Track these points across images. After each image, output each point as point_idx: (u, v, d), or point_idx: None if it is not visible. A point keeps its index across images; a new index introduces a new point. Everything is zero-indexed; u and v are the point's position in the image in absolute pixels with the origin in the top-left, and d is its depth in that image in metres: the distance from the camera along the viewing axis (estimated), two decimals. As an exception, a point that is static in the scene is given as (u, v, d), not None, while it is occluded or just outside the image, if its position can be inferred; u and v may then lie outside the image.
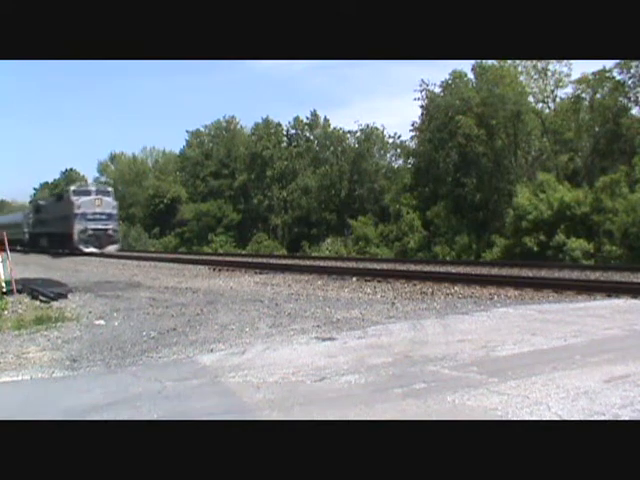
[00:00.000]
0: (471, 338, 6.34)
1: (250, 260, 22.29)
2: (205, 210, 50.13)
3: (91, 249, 34.86)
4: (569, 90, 32.36)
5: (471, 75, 35.01)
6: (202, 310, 9.94)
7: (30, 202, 57.19)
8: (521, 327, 6.89)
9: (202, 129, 58.10)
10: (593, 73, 30.47)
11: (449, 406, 4.08)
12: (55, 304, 11.62)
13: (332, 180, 43.61)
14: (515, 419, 3.72)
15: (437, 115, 34.70)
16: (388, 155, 44.51)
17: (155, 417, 4.13)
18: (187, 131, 59.39)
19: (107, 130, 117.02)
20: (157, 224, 56.18)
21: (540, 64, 31.87)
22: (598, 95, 30.90)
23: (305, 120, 50.85)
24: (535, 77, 32.94)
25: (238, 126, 56.62)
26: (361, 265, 19.86)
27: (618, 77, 29.91)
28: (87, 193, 36.46)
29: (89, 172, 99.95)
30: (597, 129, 31.28)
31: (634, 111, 30.55)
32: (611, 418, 3.65)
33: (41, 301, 12.15)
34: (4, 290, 13.08)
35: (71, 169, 79.96)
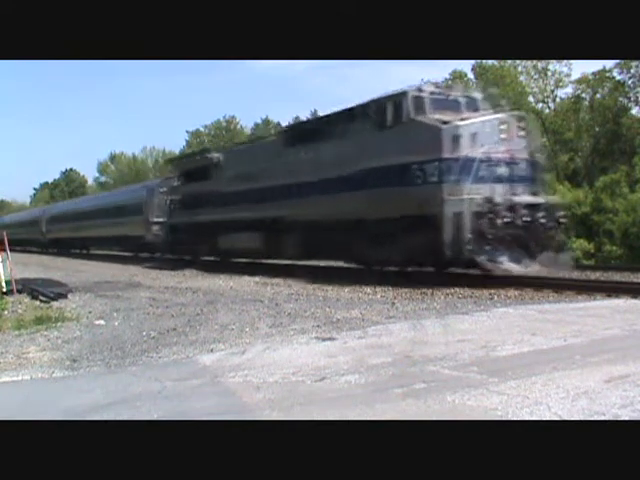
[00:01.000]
0: (471, 338, 6.33)
1: (249, 260, 22.24)
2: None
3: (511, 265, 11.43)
4: (569, 90, 32.42)
5: (471, 75, 35.04)
6: (202, 310, 9.93)
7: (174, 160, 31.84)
8: (521, 327, 6.89)
9: (202, 129, 58.16)
10: (593, 73, 30.53)
11: (449, 406, 4.07)
12: (55, 304, 11.62)
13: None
14: (515, 419, 3.72)
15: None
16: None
17: (155, 417, 4.13)
18: (187, 131, 59.44)
19: (107, 130, 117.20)
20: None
21: (540, 64, 31.89)
22: (598, 95, 30.93)
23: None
24: (535, 77, 32.99)
25: (238, 126, 56.64)
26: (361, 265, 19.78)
27: (618, 77, 29.94)
28: (460, 105, 12.75)
29: (89, 172, 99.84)
30: (597, 129, 31.31)
31: (634, 111, 30.59)
32: (611, 418, 3.65)
33: (41, 301, 12.15)
34: (4, 290, 13.08)
35: (71, 169, 79.97)
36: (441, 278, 12.15)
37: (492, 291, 10.88)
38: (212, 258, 21.70)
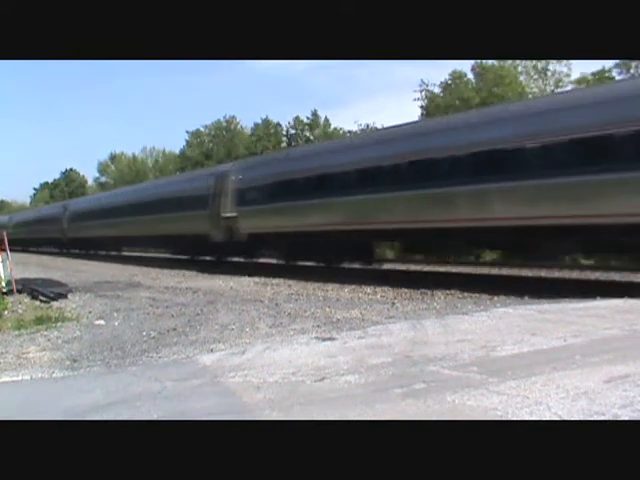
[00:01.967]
0: (471, 338, 6.33)
1: (250, 260, 22.24)
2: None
3: None
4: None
5: (471, 75, 35.03)
6: (202, 310, 9.94)
7: None
8: (521, 327, 6.88)
9: (202, 129, 58.05)
10: (593, 73, 30.50)
11: (449, 406, 4.07)
12: (55, 304, 11.63)
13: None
14: (515, 419, 3.72)
15: (437, 115, 34.72)
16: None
17: (155, 417, 4.13)
18: (187, 131, 59.32)
19: (107, 130, 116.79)
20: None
21: (540, 64, 31.88)
22: (598, 95, 30.87)
23: (305, 120, 50.87)
24: (535, 77, 32.98)
25: (238, 126, 56.60)
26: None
27: (618, 77, 29.92)
28: None
29: (89, 172, 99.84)
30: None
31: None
32: (611, 418, 3.65)
33: (41, 301, 12.15)
34: (4, 290, 13.09)
35: (71, 169, 79.91)
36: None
37: (492, 291, 10.88)
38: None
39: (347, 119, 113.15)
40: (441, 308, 9.26)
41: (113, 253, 33.24)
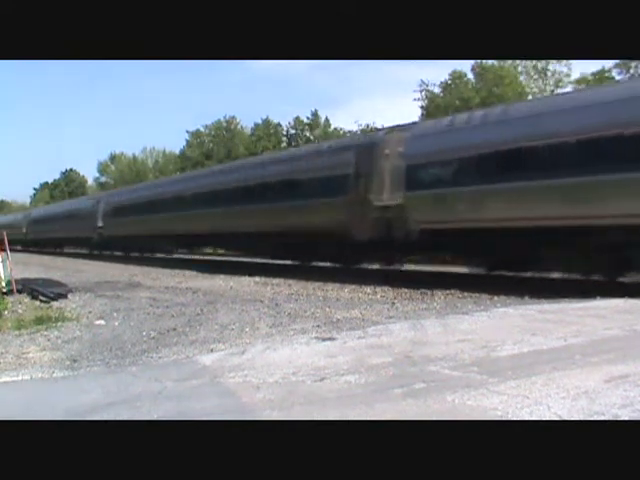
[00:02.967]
0: (471, 338, 6.33)
1: (250, 260, 22.27)
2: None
3: None
4: (569, 90, 32.36)
5: (471, 75, 35.05)
6: (202, 310, 9.94)
7: None
8: (521, 327, 6.88)
9: (202, 129, 58.14)
10: (592, 73, 30.52)
11: (449, 406, 4.07)
12: (55, 304, 11.63)
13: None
14: (515, 419, 3.72)
15: (437, 115, 34.73)
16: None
17: (155, 417, 4.13)
18: (187, 131, 59.39)
19: (107, 130, 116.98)
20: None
21: (540, 64, 31.90)
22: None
23: (305, 120, 50.91)
24: (535, 77, 33.00)
25: (238, 126, 56.64)
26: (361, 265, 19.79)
27: (618, 77, 29.93)
28: None
29: (89, 172, 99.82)
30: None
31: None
32: (611, 418, 3.65)
33: (41, 301, 12.15)
34: (4, 290, 13.09)
35: (71, 169, 79.95)
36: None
37: (492, 291, 10.88)
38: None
39: (347, 119, 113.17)
40: (441, 308, 9.26)
41: (165, 256, 27.94)
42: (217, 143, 55.57)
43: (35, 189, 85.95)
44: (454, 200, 12.62)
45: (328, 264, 17.07)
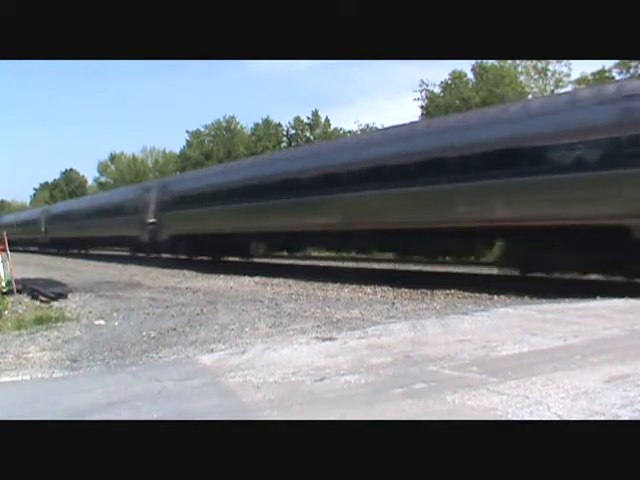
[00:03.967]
0: (471, 338, 6.33)
1: (250, 260, 22.25)
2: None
3: None
4: (569, 90, 32.36)
5: (471, 75, 35.04)
6: (202, 310, 9.94)
7: None
8: (521, 327, 6.88)
9: (202, 129, 58.05)
10: (592, 73, 30.51)
11: (449, 406, 4.08)
12: (55, 304, 11.63)
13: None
14: (515, 419, 3.72)
15: (437, 115, 34.73)
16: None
17: (155, 417, 4.13)
18: (187, 131, 59.26)
19: (107, 130, 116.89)
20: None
21: (540, 64, 31.89)
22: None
23: (306, 120, 50.89)
24: (535, 77, 32.98)
25: (238, 126, 56.60)
26: (361, 265, 19.81)
27: (618, 77, 29.92)
28: None
29: (89, 172, 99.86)
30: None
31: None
32: (611, 418, 3.65)
33: (41, 301, 12.16)
34: (4, 290, 13.09)
35: (71, 169, 79.92)
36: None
37: (492, 291, 10.88)
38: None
39: (347, 119, 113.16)
40: (441, 308, 9.26)
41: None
42: (217, 143, 55.51)
43: (35, 189, 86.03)
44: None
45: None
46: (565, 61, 31.13)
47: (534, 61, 31.24)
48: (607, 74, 29.90)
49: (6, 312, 10.47)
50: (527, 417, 3.74)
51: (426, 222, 13.15)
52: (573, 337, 6.15)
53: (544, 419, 3.68)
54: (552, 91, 32.50)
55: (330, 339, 6.76)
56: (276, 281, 15.00)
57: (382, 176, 14.08)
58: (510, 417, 3.76)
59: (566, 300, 9.34)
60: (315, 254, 22.64)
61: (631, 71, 29.41)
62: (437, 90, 35.82)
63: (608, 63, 29.87)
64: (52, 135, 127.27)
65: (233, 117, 56.96)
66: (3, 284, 13.32)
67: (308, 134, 50.99)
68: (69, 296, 12.81)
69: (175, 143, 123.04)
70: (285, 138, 51.82)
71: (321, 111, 53.13)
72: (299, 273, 16.19)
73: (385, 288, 12.30)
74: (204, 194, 22.12)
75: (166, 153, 67.21)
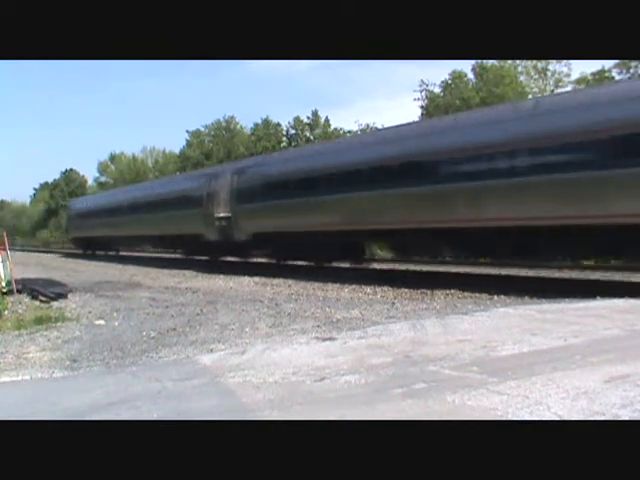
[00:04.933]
0: (471, 338, 6.33)
1: (249, 260, 22.24)
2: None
3: None
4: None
5: (471, 75, 35.04)
6: (202, 310, 9.94)
7: None
8: (521, 327, 6.88)
9: (202, 129, 58.06)
10: (592, 73, 30.51)
11: (449, 406, 4.07)
12: (55, 304, 11.63)
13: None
14: (515, 419, 3.72)
15: (437, 115, 34.74)
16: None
17: (155, 417, 4.13)
18: (187, 131, 59.30)
19: (107, 130, 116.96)
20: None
21: (540, 64, 31.89)
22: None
23: (305, 120, 50.89)
24: (535, 77, 32.98)
25: (238, 126, 56.60)
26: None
27: (617, 77, 29.92)
28: None
29: (89, 172, 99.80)
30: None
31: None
32: (611, 418, 3.65)
33: (41, 301, 12.16)
34: (4, 290, 13.09)
35: (71, 169, 79.87)
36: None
37: (492, 291, 10.89)
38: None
39: (347, 119, 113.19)
40: (441, 308, 9.26)
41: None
42: (217, 143, 55.52)
43: (35, 189, 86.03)
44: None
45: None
46: (565, 61, 31.14)
47: (534, 61, 31.24)
48: (607, 74, 29.90)
49: (6, 312, 10.47)
50: (527, 417, 3.74)
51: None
52: (573, 337, 6.15)
53: (544, 419, 3.68)
54: (552, 91, 32.51)
55: (330, 339, 6.76)
56: (276, 281, 15.00)
57: None
58: (510, 417, 3.76)
59: (566, 300, 9.33)
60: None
61: (631, 71, 29.41)
62: (437, 90, 35.85)
63: (608, 63, 29.88)
64: (52, 135, 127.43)
65: (233, 117, 57.03)
66: (3, 284, 13.32)
67: (308, 134, 51.00)
68: (69, 296, 12.81)
69: (175, 143, 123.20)
70: (285, 138, 51.81)
71: (321, 111, 53.28)
72: (299, 273, 16.19)
73: (385, 288, 12.30)
74: (310, 179, 16.27)
75: (166, 153, 67.24)
